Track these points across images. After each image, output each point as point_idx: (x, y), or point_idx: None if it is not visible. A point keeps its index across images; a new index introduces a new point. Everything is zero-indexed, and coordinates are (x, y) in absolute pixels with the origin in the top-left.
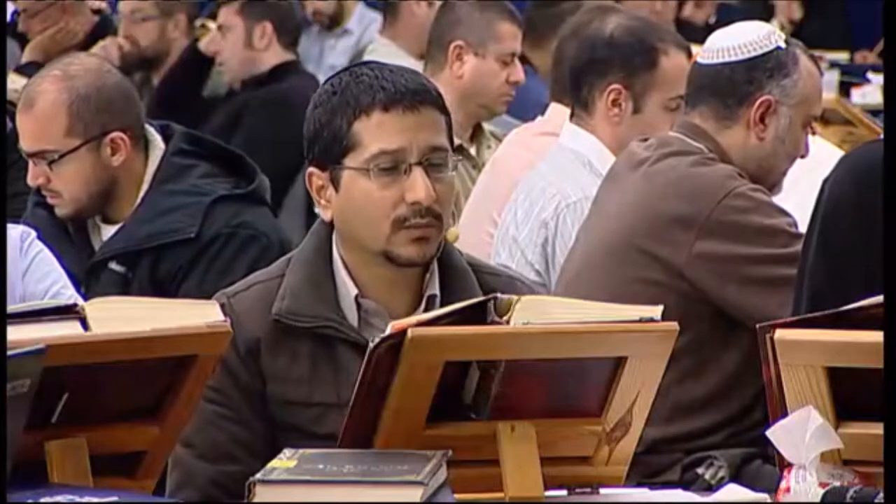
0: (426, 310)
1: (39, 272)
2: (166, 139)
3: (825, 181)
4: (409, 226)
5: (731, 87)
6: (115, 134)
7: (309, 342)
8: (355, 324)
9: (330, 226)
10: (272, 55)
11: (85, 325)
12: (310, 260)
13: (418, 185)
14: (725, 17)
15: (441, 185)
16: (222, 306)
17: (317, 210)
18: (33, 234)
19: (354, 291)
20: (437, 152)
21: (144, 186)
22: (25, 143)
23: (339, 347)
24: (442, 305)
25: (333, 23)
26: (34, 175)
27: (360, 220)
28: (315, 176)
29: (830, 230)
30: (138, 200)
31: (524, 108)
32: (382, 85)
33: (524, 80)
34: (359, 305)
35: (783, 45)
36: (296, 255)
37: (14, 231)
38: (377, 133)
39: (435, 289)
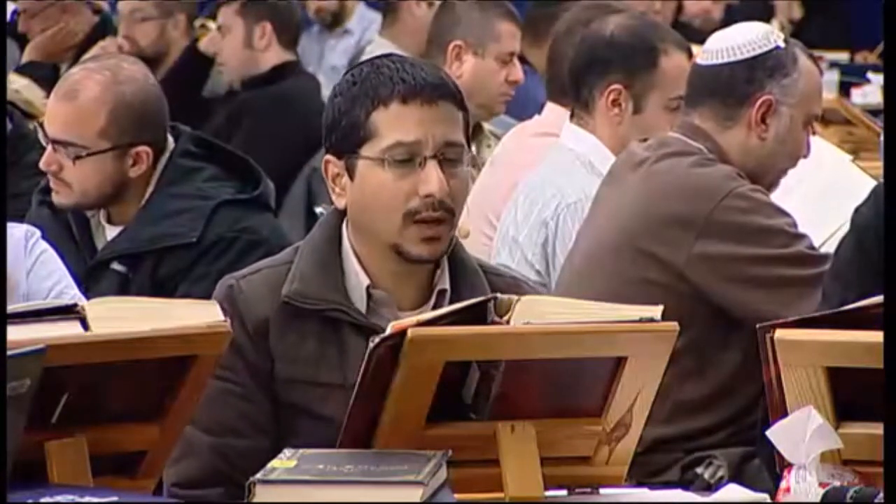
0: (436, 304)
1: (44, 270)
2: (174, 140)
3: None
4: (420, 220)
5: (730, 88)
6: (141, 148)
7: (317, 324)
8: (363, 310)
9: (341, 215)
10: (272, 55)
11: (85, 325)
12: (319, 247)
13: (432, 179)
14: (725, 18)
15: (455, 181)
16: (230, 287)
17: (317, 209)
18: (38, 232)
19: (366, 282)
20: (453, 147)
21: (150, 188)
22: (54, 130)
23: (345, 330)
24: (451, 301)
25: (335, 22)
26: (48, 160)
27: (373, 211)
28: (331, 164)
29: (865, 251)
30: (143, 201)
31: (523, 108)
32: (402, 77)
33: (523, 80)
34: (369, 295)
35: (782, 44)
36: (304, 242)
37: (18, 230)
38: (395, 124)
39: (445, 284)
